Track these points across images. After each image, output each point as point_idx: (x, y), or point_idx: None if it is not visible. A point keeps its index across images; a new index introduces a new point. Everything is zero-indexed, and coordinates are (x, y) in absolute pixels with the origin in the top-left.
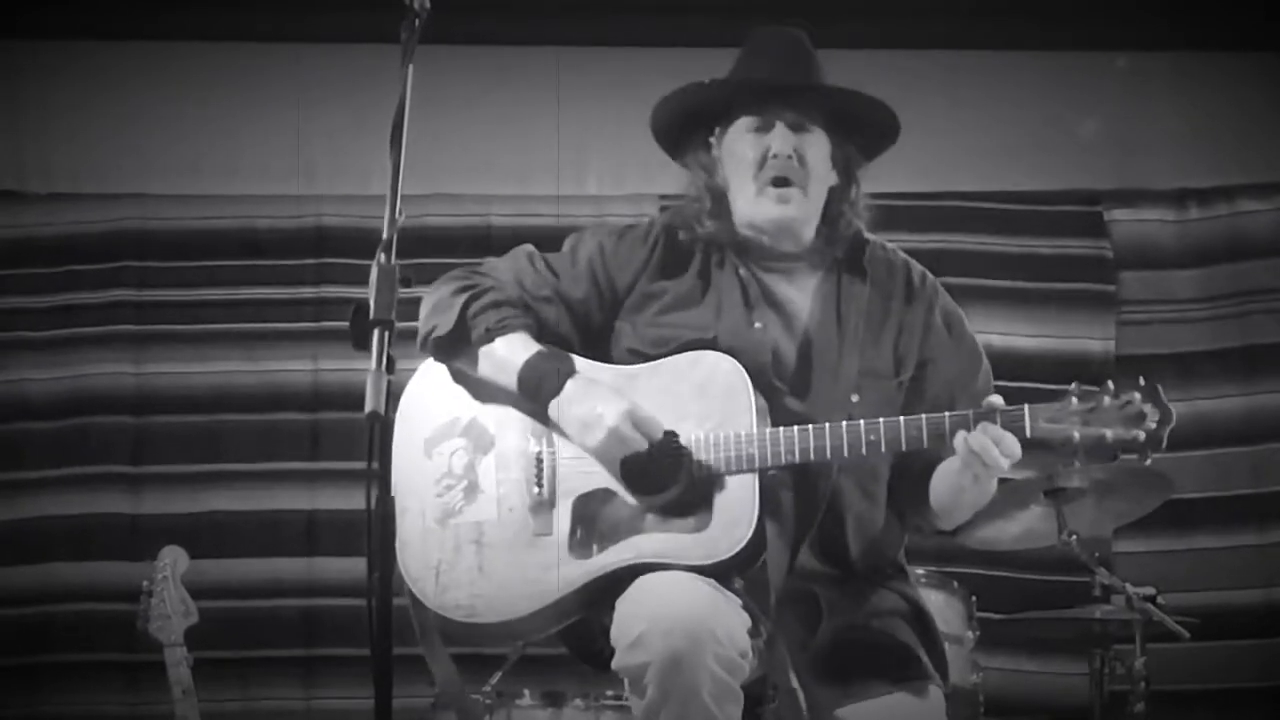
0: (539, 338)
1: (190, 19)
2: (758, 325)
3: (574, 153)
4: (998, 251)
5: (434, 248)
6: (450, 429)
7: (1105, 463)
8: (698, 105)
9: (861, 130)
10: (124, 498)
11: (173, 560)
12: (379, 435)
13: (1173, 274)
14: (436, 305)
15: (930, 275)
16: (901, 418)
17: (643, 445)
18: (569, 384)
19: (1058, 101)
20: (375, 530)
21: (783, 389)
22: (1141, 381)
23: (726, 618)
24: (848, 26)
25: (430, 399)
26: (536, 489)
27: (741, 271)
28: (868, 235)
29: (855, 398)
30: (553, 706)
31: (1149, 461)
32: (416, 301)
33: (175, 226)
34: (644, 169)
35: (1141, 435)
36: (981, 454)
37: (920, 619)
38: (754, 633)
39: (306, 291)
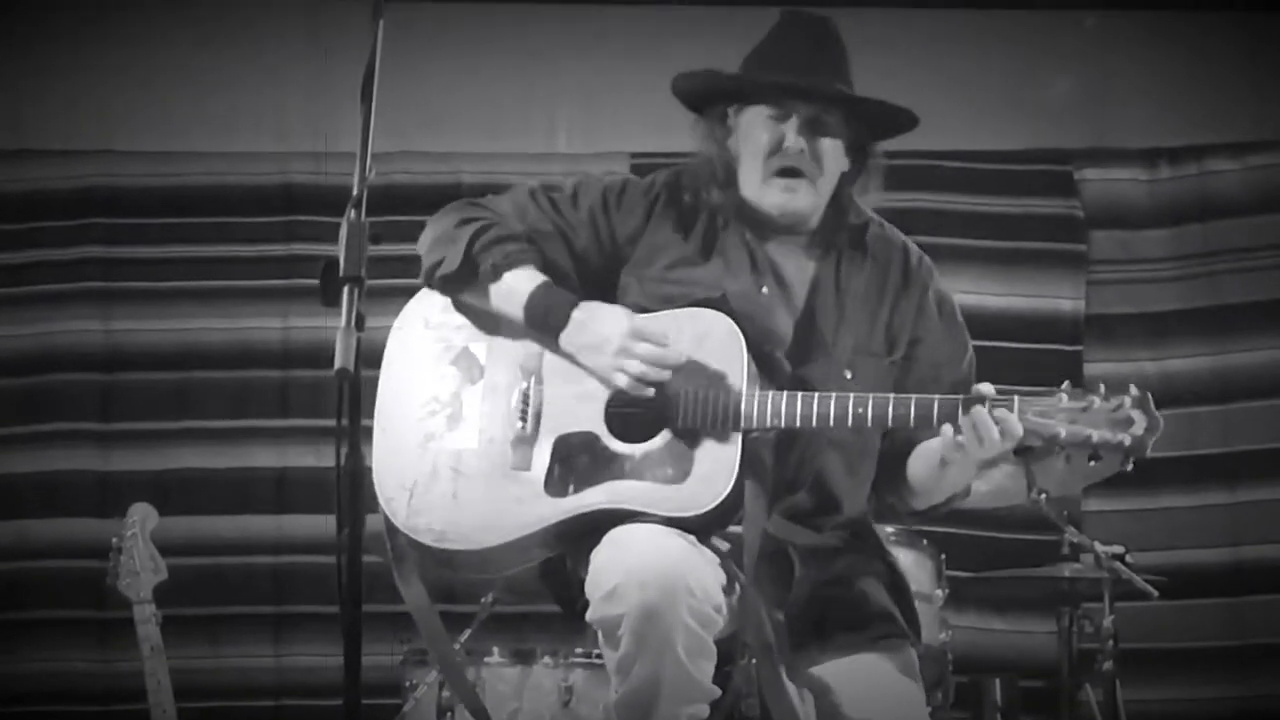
0: (544, 270)
1: None
2: (764, 291)
3: (545, 110)
4: (968, 210)
5: (404, 205)
6: (442, 356)
7: (1084, 463)
8: (716, 89)
9: (881, 126)
10: (93, 455)
11: (142, 517)
12: (348, 392)
13: (1143, 233)
14: (439, 238)
15: (927, 258)
16: (891, 395)
17: (651, 357)
18: (575, 312)
19: (1028, 60)
20: (345, 487)
21: (780, 359)
22: (1133, 390)
23: (701, 572)
24: None
25: (425, 325)
26: (520, 424)
27: (747, 236)
28: (870, 215)
29: (849, 374)
30: (522, 664)
31: (1129, 468)
32: (386, 259)
33: (143, 184)
34: (615, 127)
35: (1127, 440)
36: (982, 436)
37: (895, 580)
38: (729, 589)
39: (276, 249)
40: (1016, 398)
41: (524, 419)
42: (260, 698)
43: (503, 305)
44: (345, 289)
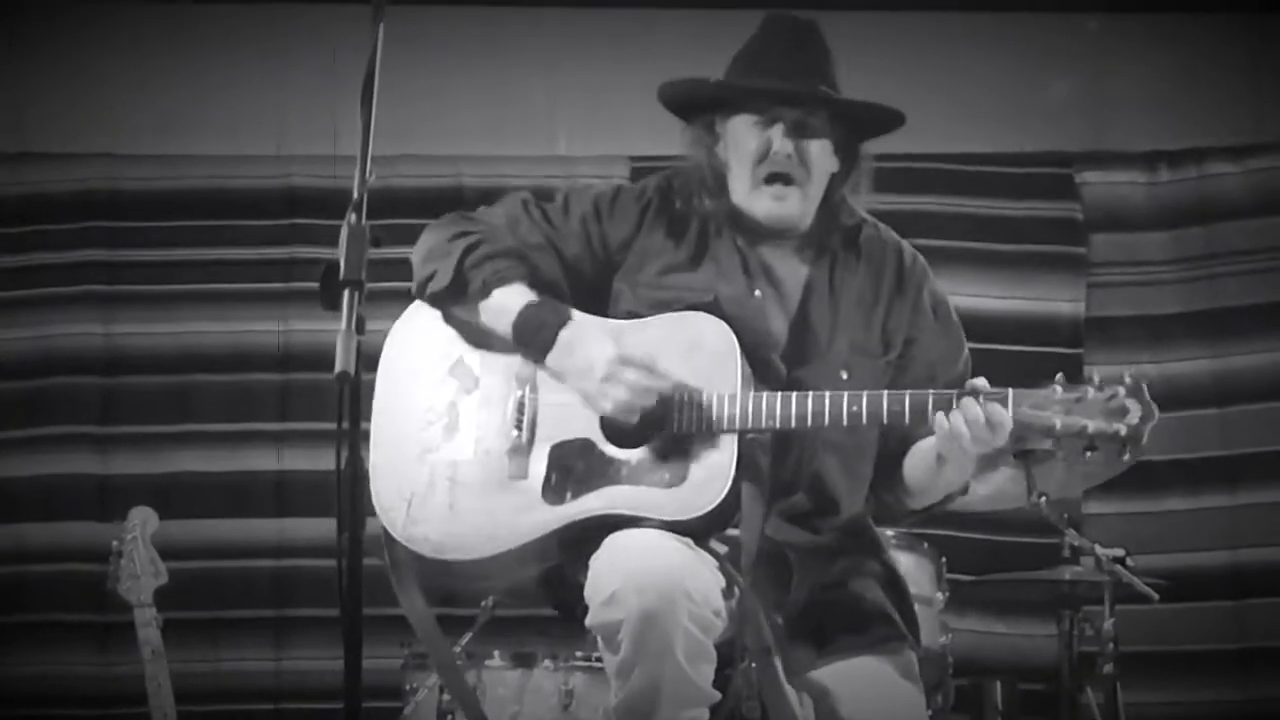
0: (534, 286)
1: None
2: (757, 294)
3: (545, 114)
4: (969, 213)
5: (405, 208)
6: (438, 366)
7: (1080, 454)
8: (701, 97)
9: (868, 126)
10: (93, 458)
11: (142, 521)
12: (349, 395)
13: (1143, 236)
14: (431, 252)
15: (921, 258)
16: (885, 392)
17: (637, 385)
18: (562, 333)
19: (1029, 63)
20: (345, 491)
21: (776, 362)
22: (1127, 379)
23: (700, 576)
24: None
25: (421, 334)
26: (515, 432)
27: (739, 241)
28: (864, 216)
29: (845, 375)
30: (522, 667)
31: (1126, 457)
32: (387, 262)
33: (145, 187)
34: (615, 130)
35: (1123, 430)
36: (972, 426)
37: (894, 582)
38: (728, 593)
39: (277, 252)
40: (1011, 391)
41: (519, 428)
42: (260, 701)
43: (492, 322)
44: (345, 292)
